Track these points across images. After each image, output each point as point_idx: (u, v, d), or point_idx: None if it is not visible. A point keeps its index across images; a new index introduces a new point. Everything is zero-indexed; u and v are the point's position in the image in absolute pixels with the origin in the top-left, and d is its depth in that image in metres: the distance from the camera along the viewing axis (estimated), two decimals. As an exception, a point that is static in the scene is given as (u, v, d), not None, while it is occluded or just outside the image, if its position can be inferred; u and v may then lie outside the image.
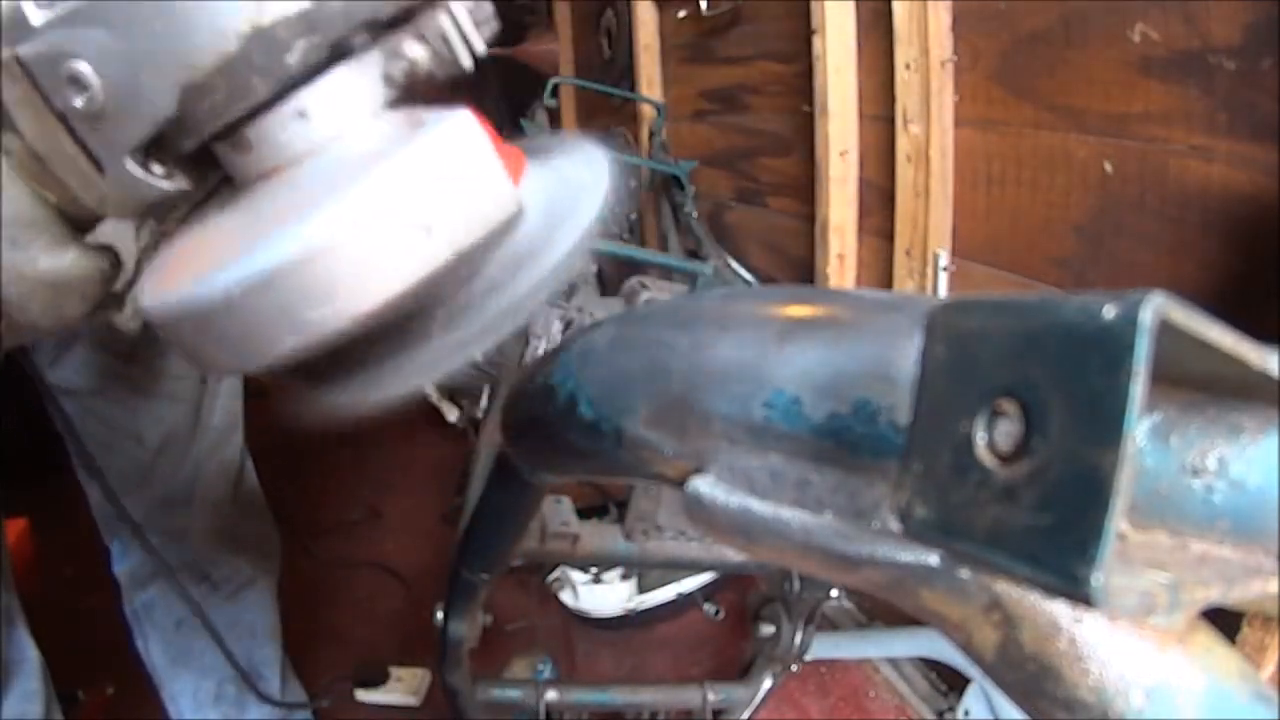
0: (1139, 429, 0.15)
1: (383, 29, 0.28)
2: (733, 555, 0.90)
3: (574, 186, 0.30)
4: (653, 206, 2.38)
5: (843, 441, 0.24)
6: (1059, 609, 0.20)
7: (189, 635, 1.23)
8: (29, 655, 1.00)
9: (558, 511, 0.88)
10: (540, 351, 1.88)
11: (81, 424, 1.09)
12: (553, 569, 1.80)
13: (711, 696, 1.04)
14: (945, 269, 1.35)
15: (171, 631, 1.23)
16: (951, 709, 1.45)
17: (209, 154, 0.29)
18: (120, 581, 1.23)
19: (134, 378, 1.07)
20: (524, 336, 1.88)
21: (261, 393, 1.11)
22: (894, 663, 1.62)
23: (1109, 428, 0.15)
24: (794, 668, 1.04)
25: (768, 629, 1.04)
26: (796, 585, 1.00)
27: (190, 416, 1.13)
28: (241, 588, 1.26)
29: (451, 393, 2.53)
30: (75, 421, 1.09)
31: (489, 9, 0.29)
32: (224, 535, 1.21)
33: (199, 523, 1.18)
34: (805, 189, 1.68)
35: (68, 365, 1.04)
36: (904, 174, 1.38)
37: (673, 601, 1.82)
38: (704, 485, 0.27)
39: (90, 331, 1.01)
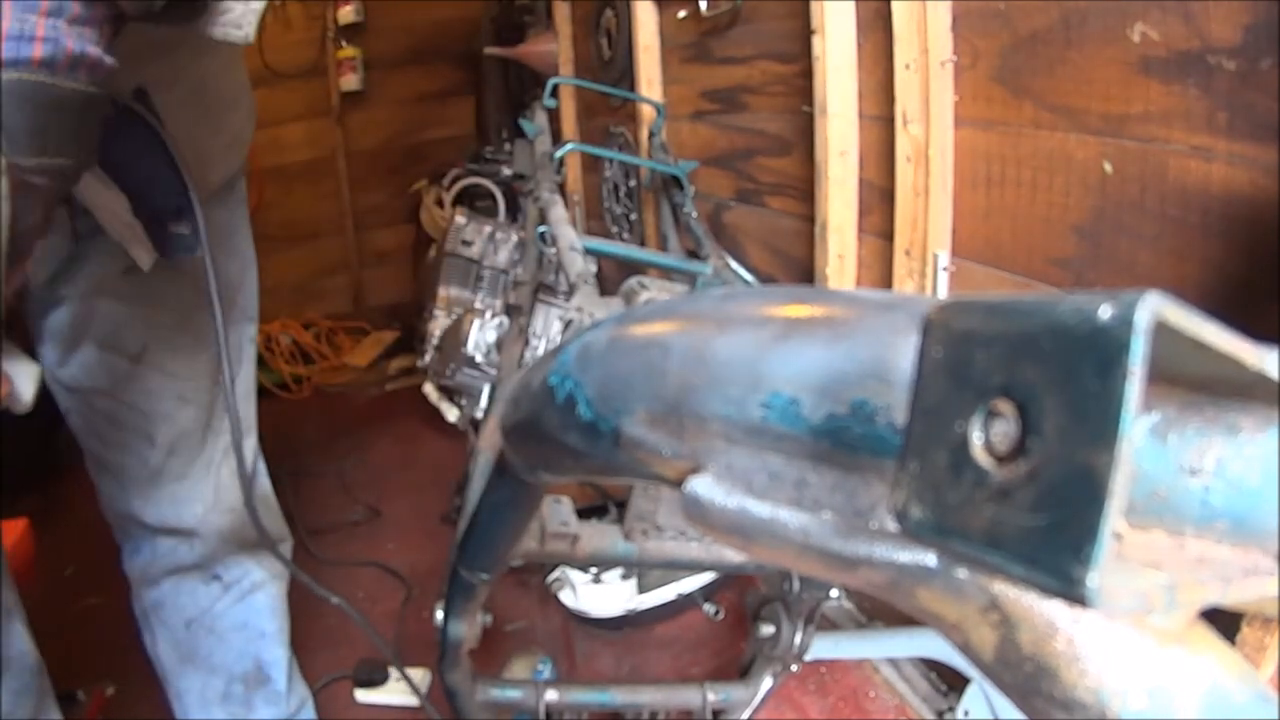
0: (1136, 429, 0.15)
1: None
2: (733, 555, 0.90)
3: None
4: (653, 206, 2.38)
5: (840, 442, 0.24)
6: (1057, 609, 0.20)
7: (198, 634, 1.23)
8: (24, 650, 1.00)
9: (558, 512, 0.87)
10: (540, 351, 1.88)
11: (92, 423, 1.09)
12: (553, 569, 1.80)
13: (711, 696, 1.04)
14: (945, 269, 1.35)
15: (181, 630, 1.23)
16: (951, 709, 1.45)
17: None
18: (130, 579, 1.23)
19: (144, 379, 1.06)
20: (524, 336, 1.88)
21: (262, 393, 1.11)
22: (894, 663, 1.62)
23: (1105, 428, 0.15)
24: (794, 668, 1.04)
25: (767, 629, 1.03)
26: (796, 585, 1.00)
27: (202, 419, 1.13)
28: (252, 590, 1.26)
29: (451, 393, 2.53)
30: (85, 421, 1.09)
31: None
32: (236, 537, 1.21)
33: (211, 524, 1.18)
34: (805, 189, 1.68)
35: (76, 364, 1.03)
36: (904, 174, 1.38)
37: (673, 601, 1.82)
38: (702, 486, 0.27)
39: (99, 330, 1.01)
